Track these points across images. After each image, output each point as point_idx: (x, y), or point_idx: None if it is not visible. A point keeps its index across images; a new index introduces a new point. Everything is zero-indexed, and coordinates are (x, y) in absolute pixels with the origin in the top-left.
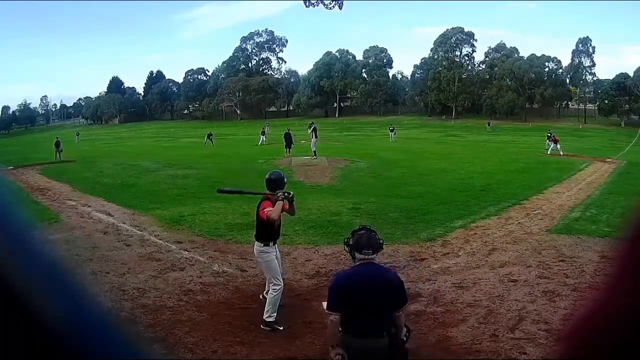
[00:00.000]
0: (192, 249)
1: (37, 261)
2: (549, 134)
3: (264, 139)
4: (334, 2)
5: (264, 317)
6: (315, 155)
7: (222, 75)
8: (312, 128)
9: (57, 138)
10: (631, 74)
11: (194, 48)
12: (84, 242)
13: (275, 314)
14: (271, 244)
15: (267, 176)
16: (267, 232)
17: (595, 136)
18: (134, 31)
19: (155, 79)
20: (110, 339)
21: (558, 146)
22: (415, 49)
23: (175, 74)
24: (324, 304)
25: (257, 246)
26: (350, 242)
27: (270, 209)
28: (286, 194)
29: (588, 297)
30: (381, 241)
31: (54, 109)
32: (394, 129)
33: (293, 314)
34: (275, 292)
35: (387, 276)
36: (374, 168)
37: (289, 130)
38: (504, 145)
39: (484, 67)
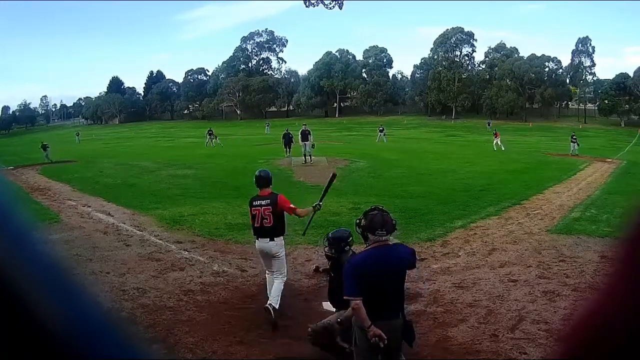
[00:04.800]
0: (192, 249)
1: (37, 261)
2: (493, 132)
3: (210, 140)
4: (334, 2)
5: (271, 303)
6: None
7: (222, 75)
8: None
9: (42, 142)
10: (631, 74)
11: (194, 48)
12: (84, 242)
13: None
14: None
15: (256, 173)
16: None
17: (595, 136)
18: (134, 31)
19: (155, 79)
20: (110, 339)
21: (499, 141)
22: (415, 49)
23: (176, 74)
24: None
25: (278, 241)
26: (363, 223)
27: (294, 207)
28: (316, 205)
29: (588, 297)
30: (394, 221)
31: (54, 109)
32: (383, 129)
33: (293, 314)
34: (283, 282)
35: (402, 256)
36: (374, 168)
37: (288, 130)
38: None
39: (484, 67)
